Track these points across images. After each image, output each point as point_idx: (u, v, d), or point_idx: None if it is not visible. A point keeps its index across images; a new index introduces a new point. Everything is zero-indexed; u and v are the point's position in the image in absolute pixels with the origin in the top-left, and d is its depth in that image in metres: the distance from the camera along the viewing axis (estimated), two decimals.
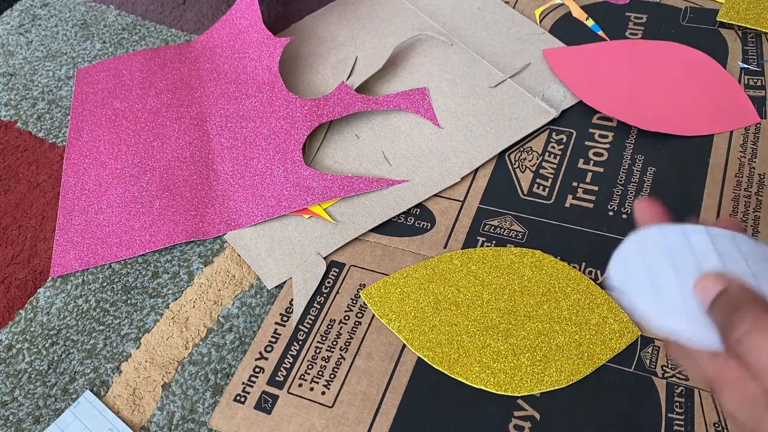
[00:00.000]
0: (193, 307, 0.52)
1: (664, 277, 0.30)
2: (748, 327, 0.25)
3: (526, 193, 0.56)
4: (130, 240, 0.56)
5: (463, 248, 0.53)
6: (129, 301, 0.53)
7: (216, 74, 0.68)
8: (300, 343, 0.49)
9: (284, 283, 0.53)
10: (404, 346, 0.48)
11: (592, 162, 0.57)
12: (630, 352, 0.46)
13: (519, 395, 0.44)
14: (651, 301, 0.30)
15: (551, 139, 0.59)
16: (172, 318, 0.52)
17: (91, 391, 0.48)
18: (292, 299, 0.51)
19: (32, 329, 0.52)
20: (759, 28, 0.65)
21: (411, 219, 0.55)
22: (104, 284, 0.54)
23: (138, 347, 0.50)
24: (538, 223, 0.54)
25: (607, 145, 0.58)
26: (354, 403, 0.45)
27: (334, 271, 0.53)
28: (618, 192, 0.55)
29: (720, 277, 0.27)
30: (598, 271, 0.50)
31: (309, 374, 0.47)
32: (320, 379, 0.47)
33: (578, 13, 0.70)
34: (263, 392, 0.47)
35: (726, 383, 0.26)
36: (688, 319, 0.29)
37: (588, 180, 0.56)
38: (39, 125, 0.67)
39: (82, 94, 0.69)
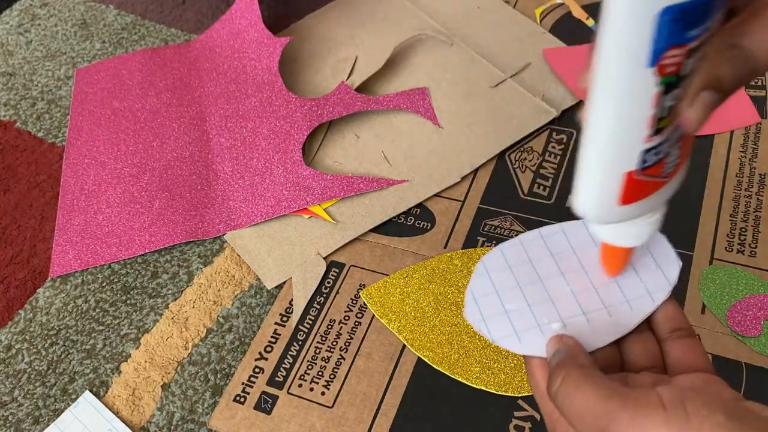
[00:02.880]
0: (193, 307, 0.52)
1: (512, 294, 0.33)
2: (560, 381, 0.27)
3: (526, 193, 0.56)
4: (129, 240, 0.56)
5: (463, 248, 0.53)
6: (128, 302, 0.53)
7: (215, 74, 0.68)
8: (300, 343, 0.49)
9: (284, 283, 0.53)
10: (404, 346, 0.48)
11: None
12: None
13: (519, 395, 0.44)
14: (506, 325, 0.32)
15: (551, 139, 0.59)
16: (172, 318, 0.52)
17: (91, 391, 0.48)
18: (291, 299, 0.51)
19: (32, 329, 0.52)
20: None
21: (411, 219, 0.55)
22: (104, 284, 0.54)
23: (137, 347, 0.50)
24: (539, 223, 0.54)
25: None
26: (354, 403, 0.45)
27: (334, 271, 0.53)
28: None
29: (558, 338, 0.30)
30: None
31: (309, 374, 0.47)
32: (320, 379, 0.47)
33: (578, 13, 0.70)
34: (263, 392, 0.47)
35: (561, 426, 0.29)
36: (538, 331, 0.31)
37: None
38: (38, 125, 0.67)
39: (82, 93, 0.69)
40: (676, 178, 0.28)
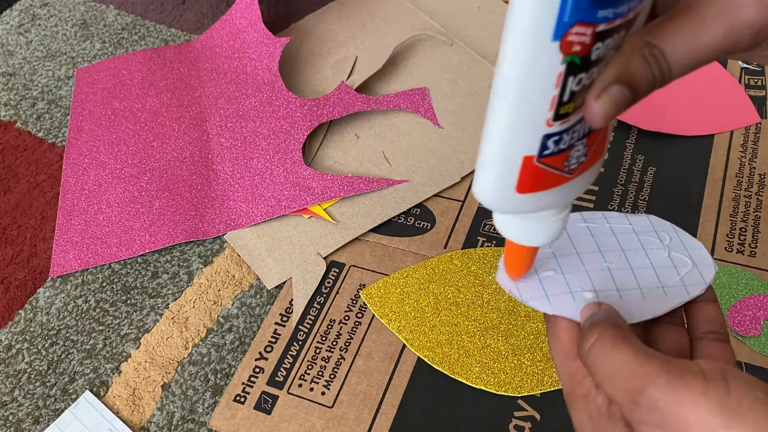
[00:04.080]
0: (193, 307, 0.52)
1: (547, 263, 0.32)
2: (595, 339, 0.26)
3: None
4: (129, 240, 0.56)
5: (463, 248, 0.53)
6: (129, 302, 0.53)
7: (216, 74, 0.68)
8: (300, 343, 0.49)
9: (284, 283, 0.53)
10: (404, 346, 0.48)
11: None
12: None
13: (519, 395, 0.44)
14: (538, 289, 0.31)
15: None
16: (172, 318, 0.52)
17: (91, 391, 0.48)
18: (291, 299, 0.51)
19: (32, 329, 0.52)
20: None
21: (411, 219, 0.55)
22: (104, 284, 0.54)
23: (138, 347, 0.50)
24: None
25: (608, 145, 0.58)
26: (354, 403, 0.45)
27: (334, 271, 0.53)
28: (618, 192, 0.55)
29: (597, 305, 0.29)
30: None
31: (309, 374, 0.47)
32: (320, 379, 0.47)
33: None
34: (263, 392, 0.47)
35: (577, 397, 0.28)
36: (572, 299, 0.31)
37: None
38: (38, 125, 0.67)
39: (82, 93, 0.69)
40: (582, 178, 0.27)
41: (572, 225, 0.34)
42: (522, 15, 0.21)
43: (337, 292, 0.51)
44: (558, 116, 0.23)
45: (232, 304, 0.52)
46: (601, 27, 0.21)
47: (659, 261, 0.32)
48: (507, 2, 0.72)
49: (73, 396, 0.48)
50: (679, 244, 0.33)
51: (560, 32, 0.21)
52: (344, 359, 0.48)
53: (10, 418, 0.47)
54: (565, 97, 0.23)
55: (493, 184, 0.25)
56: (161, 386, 0.48)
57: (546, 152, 0.24)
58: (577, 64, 0.22)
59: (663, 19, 0.24)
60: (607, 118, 0.23)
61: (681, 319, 0.32)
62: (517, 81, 0.22)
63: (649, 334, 0.32)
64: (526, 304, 0.31)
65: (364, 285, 0.51)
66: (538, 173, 0.25)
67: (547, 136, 0.24)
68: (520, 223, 0.28)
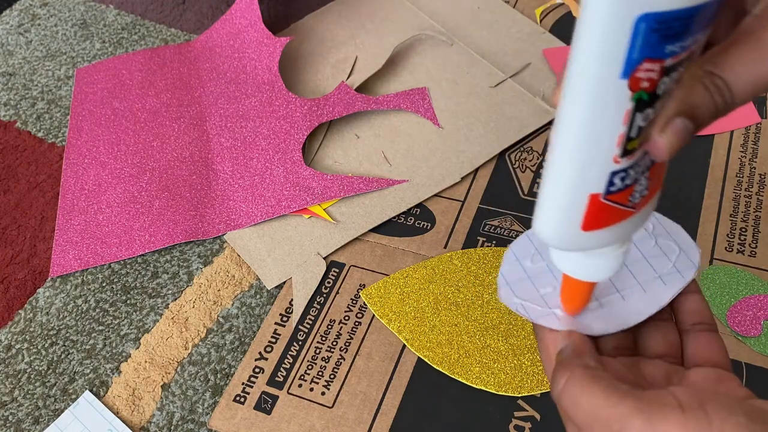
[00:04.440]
0: (193, 307, 0.52)
1: (545, 278, 0.32)
2: (564, 382, 0.26)
3: (526, 193, 0.56)
4: (129, 240, 0.56)
5: (463, 248, 0.53)
6: (128, 302, 0.53)
7: (215, 74, 0.68)
8: (300, 343, 0.49)
9: (284, 283, 0.53)
10: (404, 346, 0.48)
11: None
12: None
13: (519, 396, 0.44)
14: (543, 306, 0.31)
15: None
16: (172, 318, 0.52)
17: (91, 391, 0.48)
18: (291, 299, 0.51)
19: (32, 329, 0.52)
20: None
21: (411, 219, 0.55)
22: (104, 284, 0.54)
23: (137, 347, 0.50)
24: None
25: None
26: (354, 403, 0.45)
27: (334, 271, 0.53)
28: None
29: (567, 334, 0.29)
30: None
31: (309, 374, 0.47)
32: (320, 379, 0.47)
33: (578, 13, 0.70)
34: (263, 392, 0.47)
35: None
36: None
37: None
38: (38, 125, 0.67)
39: (82, 93, 0.69)
40: (644, 211, 0.26)
41: None
42: (590, 53, 0.21)
43: (337, 292, 0.51)
44: (625, 152, 0.23)
45: (232, 304, 0.52)
46: (669, 62, 0.21)
47: (649, 250, 0.32)
48: (507, 2, 0.72)
49: (73, 396, 0.48)
50: (661, 230, 0.33)
51: (629, 70, 0.21)
52: (344, 359, 0.48)
53: (10, 418, 0.47)
54: (633, 134, 0.23)
55: (558, 223, 0.25)
56: (161, 386, 0.48)
57: (612, 189, 0.24)
58: (645, 100, 0.22)
59: (723, 47, 0.24)
60: (672, 151, 0.23)
61: (668, 314, 0.32)
62: (585, 120, 0.22)
63: (638, 335, 0.32)
64: (535, 322, 0.31)
65: (364, 285, 0.51)
66: (604, 210, 0.25)
67: (614, 173, 0.24)
68: (581, 259, 0.28)
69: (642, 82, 0.21)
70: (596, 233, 0.26)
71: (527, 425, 0.43)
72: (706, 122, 0.24)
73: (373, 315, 0.49)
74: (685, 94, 0.23)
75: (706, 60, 0.23)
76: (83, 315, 0.53)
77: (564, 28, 0.69)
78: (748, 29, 0.24)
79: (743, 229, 0.51)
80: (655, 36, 0.20)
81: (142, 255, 0.56)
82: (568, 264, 0.29)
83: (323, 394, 0.46)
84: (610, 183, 0.24)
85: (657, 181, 0.26)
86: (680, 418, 0.23)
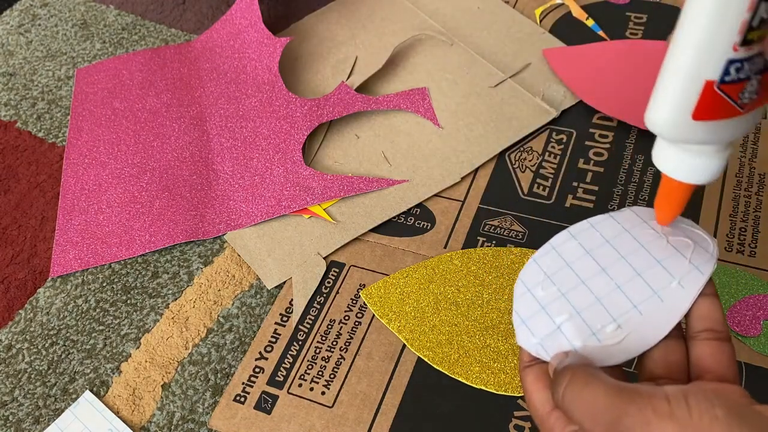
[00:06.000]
0: (193, 307, 0.52)
1: (558, 305, 0.32)
2: (567, 381, 0.28)
3: (526, 193, 0.56)
4: (129, 240, 0.56)
5: (463, 248, 0.53)
6: (129, 301, 0.53)
7: (216, 74, 0.68)
8: (300, 343, 0.49)
9: (284, 283, 0.53)
10: (404, 346, 0.48)
11: (592, 162, 0.57)
12: None
13: (519, 395, 0.44)
14: (562, 341, 0.31)
15: (551, 139, 0.59)
16: (172, 318, 0.52)
17: (91, 391, 0.48)
18: (292, 299, 0.51)
19: (32, 329, 0.52)
20: None
21: (411, 219, 0.55)
22: (104, 284, 0.54)
23: (138, 347, 0.50)
24: (539, 223, 0.54)
25: (607, 145, 0.58)
26: (354, 403, 0.45)
27: (334, 271, 0.53)
28: (618, 192, 0.55)
29: (561, 354, 0.30)
30: None
31: (309, 374, 0.47)
32: (320, 379, 0.47)
33: (578, 13, 0.70)
34: (263, 392, 0.47)
35: None
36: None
37: (588, 180, 0.56)
38: (39, 125, 0.67)
39: (82, 93, 0.69)
40: (750, 115, 0.27)
41: (564, 246, 0.33)
42: None
43: (337, 292, 0.51)
44: (744, 41, 0.24)
45: (232, 304, 0.52)
46: None
47: (662, 253, 0.31)
48: (507, 2, 0.72)
49: (74, 396, 0.48)
50: (671, 226, 0.33)
51: None
52: (344, 359, 0.48)
53: (11, 418, 0.48)
54: (755, 22, 0.24)
55: (672, 107, 0.27)
56: (161, 386, 0.48)
57: (727, 78, 0.26)
58: None
59: None
60: None
61: (678, 329, 0.31)
62: (712, 2, 0.24)
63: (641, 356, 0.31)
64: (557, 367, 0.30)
65: (364, 285, 0.51)
66: (716, 100, 0.26)
67: (731, 62, 0.25)
68: (682, 158, 0.29)
69: None
70: (705, 124, 0.27)
71: (527, 425, 0.43)
72: None
73: (373, 315, 0.49)
74: None
75: None
76: (83, 315, 0.53)
77: (564, 28, 0.69)
78: None
79: (743, 229, 0.51)
80: None
81: (143, 255, 0.56)
82: (671, 164, 0.29)
83: (323, 393, 0.46)
84: (726, 71, 0.25)
85: (766, 89, 0.27)
86: (667, 409, 0.24)
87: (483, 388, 0.45)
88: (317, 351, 0.48)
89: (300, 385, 0.47)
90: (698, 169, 0.29)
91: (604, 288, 0.31)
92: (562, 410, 0.28)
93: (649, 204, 0.54)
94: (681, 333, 0.31)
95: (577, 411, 0.27)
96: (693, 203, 0.53)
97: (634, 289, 0.31)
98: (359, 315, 0.50)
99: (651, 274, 0.31)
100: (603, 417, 0.26)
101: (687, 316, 0.31)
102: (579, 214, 0.54)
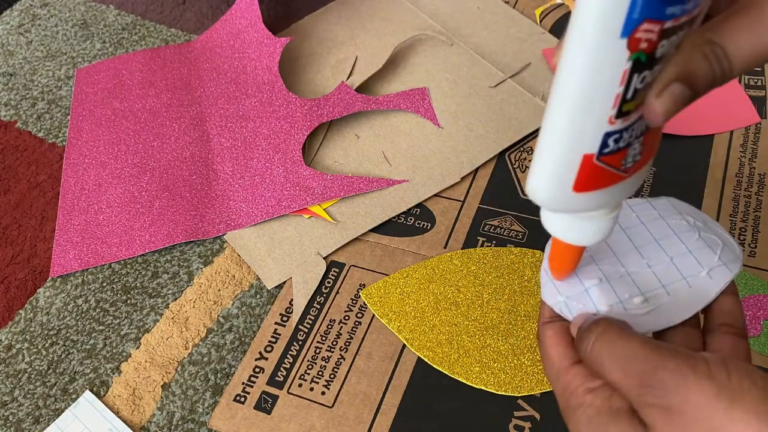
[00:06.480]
0: (193, 307, 0.52)
1: (589, 270, 0.32)
2: (600, 331, 0.27)
3: (526, 193, 0.56)
4: (129, 240, 0.56)
5: (463, 248, 0.53)
6: (129, 301, 0.53)
7: (216, 74, 0.68)
8: (300, 343, 0.49)
9: (284, 283, 0.53)
10: (404, 346, 0.48)
11: None
12: None
13: (519, 395, 0.44)
14: (588, 303, 0.31)
15: None
16: (172, 318, 0.52)
17: (91, 391, 0.48)
18: (292, 299, 0.51)
19: (32, 329, 0.52)
20: None
21: (411, 219, 0.55)
22: (104, 284, 0.54)
23: (138, 347, 0.50)
24: (539, 223, 0.54)
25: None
26: (354, 403, 0.45)
27: (334, 271, 0.53)
28: None
29: (588, 314, 0.30)
30: None
31: (309, 374, 0.47)
32: (320, 379, 0.47)
33: None
34: (263, 392, 0.47)
35: (573, 409, 0.28)
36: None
37: None
38: (39, 125, 0.67)
39: (82, 93, 0.69)
40: (635, 177, 0.27)
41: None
42: (590, 11, 0.21)
43: (337, 292, 0.51)
44: (620, 114, 0.23)
45: (232, 304, 0.52)
46: (669, 24, 0.22)
47: (693, 244, 0.32)
48: (507, 2, 0.72)
49: (74, 396, 0.48)
50: (701, 223, 0.33)
51: (629, 29, 0.21)
52: (344, 359, 0.48)
53: (10, 418, 0.48)
54: (629, 95, 0.23)
55: (549, 182, 0.26)
56: (161, 386, 0.48)
57: (606, 150, 0.24)
58: (643, 62, 0.22)
59: (724, 17, 0.24)
60: (667, 115, 0.24)
61: (696, 318, 0.31)
62: (582, 78, 0.23)
63: (659, 338, 0.31)
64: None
65: (364, 285, 0.51)
66: (596, 172, 0.25)
67: (608, 134, 0.24)
68: (570, 222, 0.28)
69: (641, 43, 0.22)
70: (587, 195, 0.26)
71: (527, 425, 0.43)
72: (703, 90, 0.24)
73: (373, 315, 0.49)
74: (684, 60, 0.23)
75: (706, 28, 0.24)
76: (83, 315, 0.53)
77: (564, 28, 0.69)
78: (750, 0, 0.24)
79: (743, 229, 0.51)
80: None
81: (143, 255, 0.56)
82: (558, 226, 0.29)
83: (323, 393, 0.46)
84: (604, 144, 0.24)
85: (651, 148, 0.26)
86: (706, 370, 0.24)
87: (483, 388, 0.45)
88: (317, 351, 0.48)
89: (300, 385, 0.47)
90: (587, 231, 0.28)
91: (636, 264, 0.32)
92: (589, 362, 0.27)
93: None
94: (699, 325, 0.31)
95: (608, 361, 0.26)
96: (693, 204, 0.53)
97: (665, 271, 0.31)
98: (359, 315, 0.50)
99: (681, 260, 0.31)
100: (637, 368, 0.25)
101: (708, 310, 0.31)
102: None
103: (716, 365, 0.24)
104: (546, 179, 0.26)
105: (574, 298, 0.31)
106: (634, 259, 0.32)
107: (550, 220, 0.29)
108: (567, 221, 0.28)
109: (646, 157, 0.26)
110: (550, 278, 0.32)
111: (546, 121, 0.25)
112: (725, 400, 0.23)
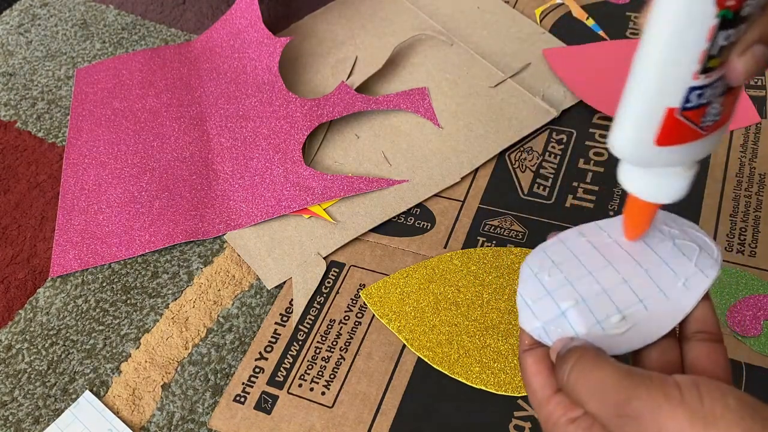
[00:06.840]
0: (193, 307, 0.52)
1: (564, 291, 0.32)
2: (575, 360, 0.27)
3: (526, 193, 0.56)
4: (129, 240, 0.56)
5: (463, 248, 0.53)
6: (129, 301, 0.53)
7: (216, 74, 0.68)
8: (300, 343, 0.49)
9: (284, 283, 0.53)
10: (404, 346, 0.48)
11: (592, 162, 0.57)
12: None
13: (519, 395, 0.44)
14: (566, 327, 0.31)
15: (551, 139, 0.59)
16: (172, 318, 0.52)
17: (91, 391, 0.48)
18: (291, 299, 0.51)
19: (32, 329, 0.52)
20: None
21: (411, 219, 0.55)
22: (104, 284, 0.54)
23: (138, 347, 0.50)
24: (539, 223, 0.54)
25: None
26: (354, 403, 0.45)
27: (334, 271, 0.53)
28: (618, 192, 0.55)
29: (566, 338, 0.30)
30: None
31: (309, 374, 0.47)
32: (320, 379, 0.47)
33: (578, 13, 0.70)
34: (263, 392, 0.47)
35: (558, 429, 0.28)
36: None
37: (588, 180, 0.56)
38: (38, 125, 0.67)
39: (82, 93, 0.69)
40: (712, 137, 0.28)
41: (572, 241, 0.34)
42: None
43: (337, 292, 0.51)
44: (705, 69, 0.24)
45: (232, 304, 0.52)
46: None
47: (668, 253, 0.32)
48: (507, 2, 0.72)
49: (73, 396, 0.48)
50: (676, 230, 0.33)
51: None
52: (344, 359, 0.48)
53: (10, 418, 0.47)
54: (714, 51, 0.24)
55: (633, 135, 0.27)
56: (161, 386, 0.48)
57: (688, 105, 0.26)
58: (729, 19, 0.23)
59: None
60: (747, 75, 0.24)
61: (672, 329, 0.31)
62: (671, 32, 0.24)
63: (637, 351, 0.31)
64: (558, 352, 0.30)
65: (364, 285, 0.51)
66: (678, 126, 0.26)
67: (692, 89, 0.25)
68: (649, 179, 0.29)
69: (728, 0, 0.23)
70: (668, 149, 0.27)
71: (527, 425, 0.43)
72: None
73: (373, 315, 0.49)
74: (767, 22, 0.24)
75: None
76: (83, 315, 0.53)
77: (564, 28, 0.69)
78: None
79: (743, 229, 0.51)
80: None
81: (142, 255, 0.56)
82: (636, 184, 0.30)
83: (323, 394, 0.46)
84: (687, 99, 0.25)
85: (728, 110, 0.27)
86: (678, 396, 0.24)
87: (483, 388, 0.45)
88: (317, 351, 0.48)
89: (300, 385, 0.47)
90: (664, 189, 0.29)
91: (611, 280, 0.31)
92: (567, 391, 0.28)
93: None
94: (675, 334, 0.31)
95: (583, 391, 0.26)
96: (693, 203, 0.53)
97: (641, 284, 0.31)
98: (359, 315, 0.50)
99: (657, 272, 0.31)
100: (611, 398, 0.25)
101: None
102: (579, 214, 0.54)
103: (689, 390, 0.24)
104: (630, 130, 0.27)
105: (551, 322, 0.31)
106: (610, 275, 0.32)
107: (629, 179, 0.30)
108: (646, 178, 0.29)
109: (723, 119, 0.27)
110: (527, 303, 0.32)
111: (632, 75, 0.26)
112: (699, 426, 0.23)
